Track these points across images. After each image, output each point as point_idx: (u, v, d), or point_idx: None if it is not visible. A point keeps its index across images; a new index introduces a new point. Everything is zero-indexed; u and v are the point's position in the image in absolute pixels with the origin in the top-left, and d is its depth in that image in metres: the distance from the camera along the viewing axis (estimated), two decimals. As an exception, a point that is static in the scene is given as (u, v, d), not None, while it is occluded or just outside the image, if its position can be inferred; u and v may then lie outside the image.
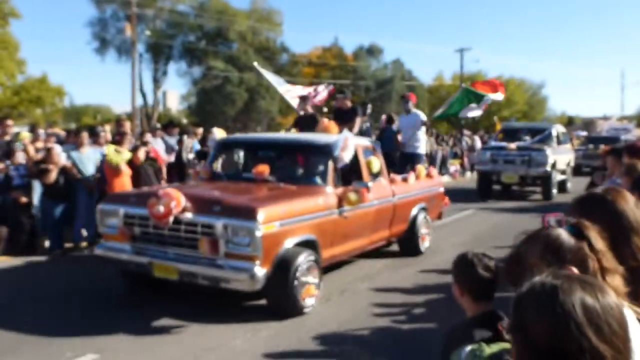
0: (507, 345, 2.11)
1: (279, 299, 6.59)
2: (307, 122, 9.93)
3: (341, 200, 7.54)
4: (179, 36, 53.70)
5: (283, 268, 6.54)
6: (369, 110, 11.17)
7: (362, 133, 10.83)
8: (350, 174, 8.23)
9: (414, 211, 9.62)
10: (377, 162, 8.55)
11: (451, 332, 2.74)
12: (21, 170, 9.81)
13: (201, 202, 6.58)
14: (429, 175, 10.51)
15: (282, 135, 9.86)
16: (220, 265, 6.38)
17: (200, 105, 52.39)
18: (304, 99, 10.80)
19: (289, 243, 6.63)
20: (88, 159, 10.19)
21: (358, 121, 9.99)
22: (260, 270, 6.29)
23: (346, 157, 7.70)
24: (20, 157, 9.98)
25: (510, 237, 2.00)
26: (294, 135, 9.54)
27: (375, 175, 8.66)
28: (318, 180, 7.66)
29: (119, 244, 7.00)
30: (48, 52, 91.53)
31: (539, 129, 18.41)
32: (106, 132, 12.32)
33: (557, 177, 17.33)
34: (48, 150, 9.91)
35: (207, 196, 6.79)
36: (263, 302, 6.84)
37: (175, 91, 66.73)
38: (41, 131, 12.69)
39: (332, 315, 6.73)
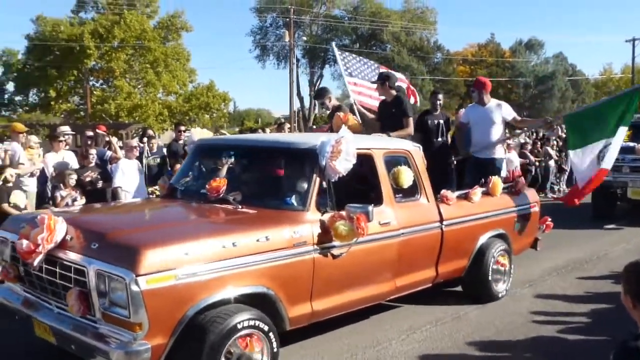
0: None
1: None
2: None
3: (328, 231, 4.87)
4: (334, 40, 52.60)
5: (197, 340, 4.06)
6: (440, 101, 8.14)
7: (427, 132, 7.89)
8: (358, 193, 5.52)
9: (481, 240, 6.60)
10: (408, 175, 5.69)
11: (622, 348, 2.50)
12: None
13: (82, 235, 4.28)
14: (515, 190, 7.35)
15: (260, 137, 7.14)
16: (99, 332, 4.04)
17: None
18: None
19: (205, 302, 4.12)
20: None
21: (410, 121, 7.03)
22: (143, 346, 3.85)
23: (340, 166, 4.98)
24: None
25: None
26: (272, 136, 6.90)
27: (407, 193, 5.83)
28: (293, 201, 5.01)
29: (9, 286, 4.92)
30: (214, 61, 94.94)
31: None
32: None
33: None
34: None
35: (92, 227, 4.42)
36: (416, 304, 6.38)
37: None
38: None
39: (490, 321, 6.18)
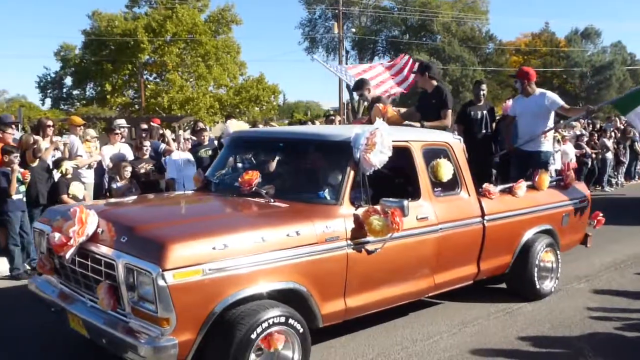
0: None
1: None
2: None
3: (362, 226, 4.72)
4: (383, 31, 52.13)
5: (226, 335, 3.99)
6: (483, 91, 7.82)
7: (470, 123, 7.62)
8: (395, 187, 5.34)
9: (526, 236, 6.32)
10: (447, 168, 5.47)
11: None
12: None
13: (113, 228, 4.24)
14: (564, 183, 7.01)
15: (294, 129, 6.93)
16: (129, 326, 4.00)
17: (403, 98, 50.15)
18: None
19: (234, 297, 4.03)
20: None
21: (449, 114, 6.68)
22: (170, 341, 3.79)
23: (374, 159, 4.80)
24: None
25: None
26: (306, 128, 6.70)
27: (447, 187, 5.61)
28: (326, 194, 4.86)
29: (47, 278, 4.95)
30: (264, 53, 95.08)
31: None
32: None
33: None
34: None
35: (122, 220, 4.38)
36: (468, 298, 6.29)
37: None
38: None
39: (545, 316, 6.03)
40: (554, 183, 6.93)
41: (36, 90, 40.66)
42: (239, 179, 5.07)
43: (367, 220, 4.68)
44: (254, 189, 4.98)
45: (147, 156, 9.05)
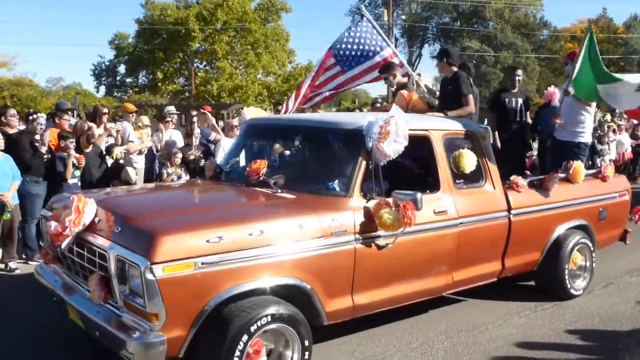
0: None
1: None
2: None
3: (372, 220, 4.43)
4: (433, 18, 51.09)
5: (219, 332, 3.78)
6: (519, 77, 7.30)
7: (504, 111, 7.17)
8: (412, 178, 5.01)
9: (557, 232, 5.89)
10: (470, 159, 5.10)
11: None
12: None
13: (109, 218, 4.08)
14: (601, 176, 6.52)
15: (307, 116, 6.56)
16: (121, 320, 3.83)
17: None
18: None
19: (228, 293, 3.81)
20: None
21: (469, 99, 6.08)
22: (159, 337, 3.61)
23: (388, 149, 4.48)
24: None
25: None
26: (319, 116, 6.35)
27: (470, 179, 5.25)
28: (335, 185, 4.57)
29: (54, 267, 4.83)
30: (313, 41, 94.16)
31: None
32: None
33: None
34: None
35: (118, 210, 4.19)
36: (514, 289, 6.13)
37: (429, 74, 63.64)
38: None
39: (594, 310, 5.81)
40: (591, 176, 6.44)
41: (91, 78, 41.73)
42: (247, 168, 4.84)
43: (378, 214, 4.38)
44: (261, 178, 4.74)
45: (197, 143, 9.09)
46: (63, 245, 4.11)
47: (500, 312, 5.62)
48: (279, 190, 4.61)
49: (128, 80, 40.97)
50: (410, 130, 4.64)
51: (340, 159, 4.84)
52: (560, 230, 5.89)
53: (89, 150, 7.88)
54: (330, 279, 4.28)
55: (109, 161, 8.15)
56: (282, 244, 4.00)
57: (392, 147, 4.50)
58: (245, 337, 3.79)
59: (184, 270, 3.62)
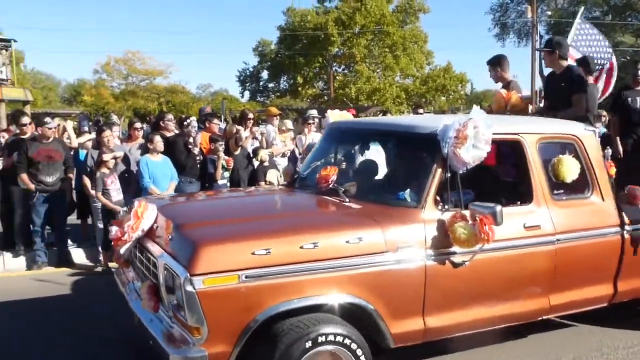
0: None
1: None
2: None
3: (447, 234, 3.94)
4: (584, 6, 47.50)
5: (267, 351, 3.52)
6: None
7: (627, 112, 6.23)
8: (501, 189, 4.43)
9: (686, 252, 4.97)
10: (572, 166, 4.41)
11: None
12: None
13: (165, 225, 3.96)
14: None
15: (383, 120, 5.96)
16: (170, 331, 3.70)
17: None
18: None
19: (275, 309, 3.52)
20: None
21: (579, 99, 5.24)
22: (199, 353, 3.41)
23: (467, 155, 3.97)
24: None
25: None
26: (395, 119, 5.77)
27: (573, 189, 4.55)
28: (406, 195, 4.12)
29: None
30: (452, 41, 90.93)
31: None
32: None
33: None
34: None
35: (174, 217, 4.03)
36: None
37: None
38: None
39: None
40: None
41: (236, 83, 43.59)
42: (317, 175, 4.54)
43: (452, 228, 3.89)
44: (331, 185, 4.42)
45: None
46: (122, 251, 4.08)
47: (637, 334, 5.18)
48: (347, 200, 4.26)
49: (270, 85, 42.36)
50: (497, 134, 4.10)
51: (413, 166, 4.38)
52: (690, 250, 4.96)
53: (237, 152, 8.20)
54: (396, 297, 3.85)
55: (255, 163, 8.43)
56: (338, 258, 3.65)
57: (471, 154, 3.98)
58: (299, 356, 3.50)
59: (227, 284, 3.40)
